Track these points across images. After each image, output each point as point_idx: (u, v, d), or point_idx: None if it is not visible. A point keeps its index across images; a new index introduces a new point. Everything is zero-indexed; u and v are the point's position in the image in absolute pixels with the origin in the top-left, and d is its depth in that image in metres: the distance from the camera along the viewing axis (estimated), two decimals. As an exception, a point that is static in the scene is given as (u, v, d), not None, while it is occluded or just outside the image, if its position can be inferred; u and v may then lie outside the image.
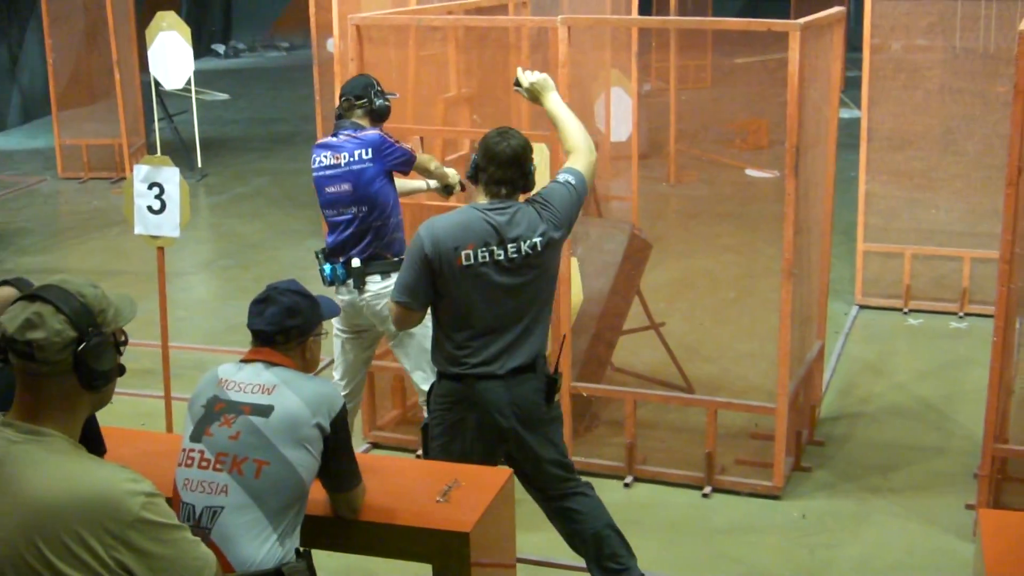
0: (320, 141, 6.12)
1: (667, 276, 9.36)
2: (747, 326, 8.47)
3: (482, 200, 4.66)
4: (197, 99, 13.72)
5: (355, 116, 5.96)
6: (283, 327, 3.59)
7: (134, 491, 2.59)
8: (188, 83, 13.05)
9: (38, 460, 2.61)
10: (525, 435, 4.73)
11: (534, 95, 5.06)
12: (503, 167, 4.60)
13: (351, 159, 5.84)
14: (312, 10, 10.60)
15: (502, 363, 4.62)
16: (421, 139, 6.71)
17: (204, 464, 3.41)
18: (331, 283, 5.97)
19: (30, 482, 2.57)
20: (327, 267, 5.94)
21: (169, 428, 6.25)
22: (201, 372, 8.70)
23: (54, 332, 2.63)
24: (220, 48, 26.53)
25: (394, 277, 5.54)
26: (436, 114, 7.37)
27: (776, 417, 6.12)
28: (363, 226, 5.84)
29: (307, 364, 3.68)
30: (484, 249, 4.54)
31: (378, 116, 5.98)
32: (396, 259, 5.83)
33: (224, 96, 20.53)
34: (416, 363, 5.96)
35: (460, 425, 4.73)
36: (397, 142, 5.88)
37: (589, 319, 6.83)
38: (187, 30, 12.70)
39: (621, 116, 10.49)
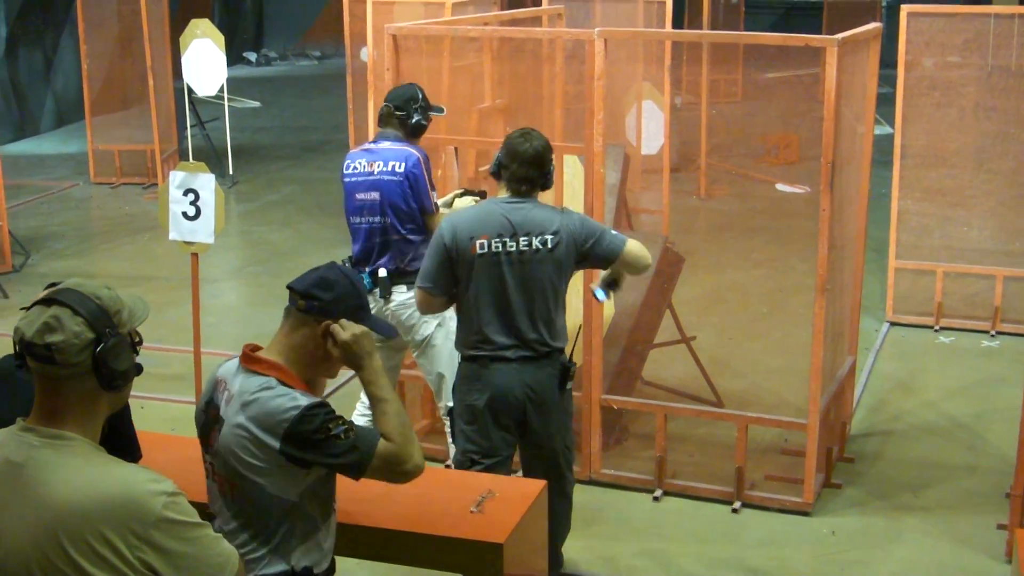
0: (360, 147, 6.15)
1: (698, 290, 9.34)
2: (778, 341, 8.44)
3: (503, 195, 4.98)
4: (229, 106, 13.77)
5: (391, 125, 6.00)
6: (309, 293, 3.30)
7: (156, 491, 2.62)
8: (220, 90, 13.12)
9: (61, 464, 2.64)
10: (534, 416, 4.95)
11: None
12: (525, 165, 4.91)
13: (384, 168, 5.87)
14: (346, 19, 10.66)
15: (514, 350, 4.91)
16: (455, 149, 6.73)
17: (213, 475, 3.36)
18: None
19: (54, 486, 2.61)
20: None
21: (200, 434, 6.26)
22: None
23: (73, 334, 2.66)
24: (252, 56, 26.65)
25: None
26: (470, 124, 7.40)
27: (807, 433, 6.10)
28: (388, 237, 5.86)
29: (312, 365, 3.34)
30: (498, 240, 4.86)
31: (412, 132, 6.00)
32: None
33: (256, 104, 20.63)
34: (439, 379, 5.99)
35: (478, 407, 4.96)
36: (429, 183, 5.88)
37: (620, 332, 6.83)
38: (221, 38, 12.77)
39: (652, 129, 10.49)
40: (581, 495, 5.67)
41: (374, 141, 6.02)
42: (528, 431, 5.02)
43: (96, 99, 14.43)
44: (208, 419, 3.33)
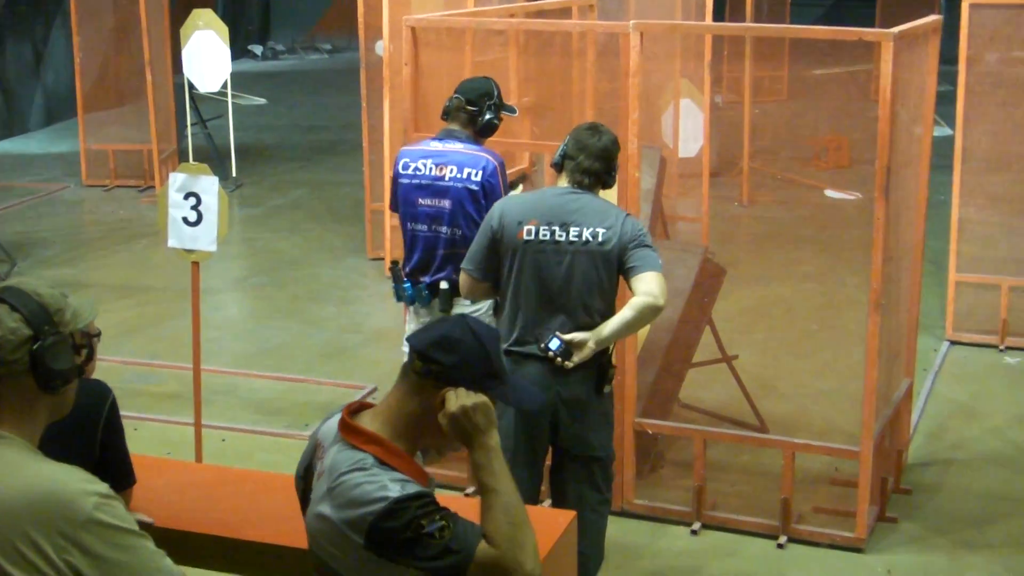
0: (415, 144, 6.09)
1: (741, 305, 9.32)
2: (828, 361, 8.41)
3: (563, 184, 5.15)
4: (232, 103, 13.83)
5: (459, 121, 5.97)
6: (427, 354, 3.02)
7: (87, 491, 2.63)
8: (224, 86, 13.17)
9: None
10: (566, 417, 5.03)
11: None
12: (591, 158, 5.10)
13: (458, 175, 5.84)
14: (361, 10, 10.66)
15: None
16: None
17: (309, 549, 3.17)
18: (411, 302, 6.00)
19: None
20: (407, 286, 5.97)
21: (198, 457, 6.28)
22: (232, 397, 8.74)
23: (8, 331, 2.74)
24: (257, 49, 26.77)
25: (484, 301, 5.82)
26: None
27: (859, 461, 6.06)
28: (456, 249, 5.83)
29: (422, 438, 3.09)
30: (546, 228, 5.02)
31: (481, 131, 5.99)
32: None
33: (261, 101, 20.71)
34: None
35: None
36: (505, 193, 5.86)
37: (656, 350, 6.81)
38: (224, 29, 12.82)
39: (691, 130, 10.47)
40: (612, 527, 5.64)
41: (440, 139, 5.98)
42: (559, 433, 5.10)
43: (89, 95, 14.50)
44: (307, 487, 3.17)
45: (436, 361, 3.01)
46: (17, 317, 2.75)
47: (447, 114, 6.05)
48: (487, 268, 5.18)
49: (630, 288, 5.06)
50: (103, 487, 2.66)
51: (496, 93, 6.02)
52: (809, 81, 17.61)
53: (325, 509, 2.95)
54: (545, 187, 5.49)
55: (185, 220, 6.33)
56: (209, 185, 6.28)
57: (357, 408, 3.13)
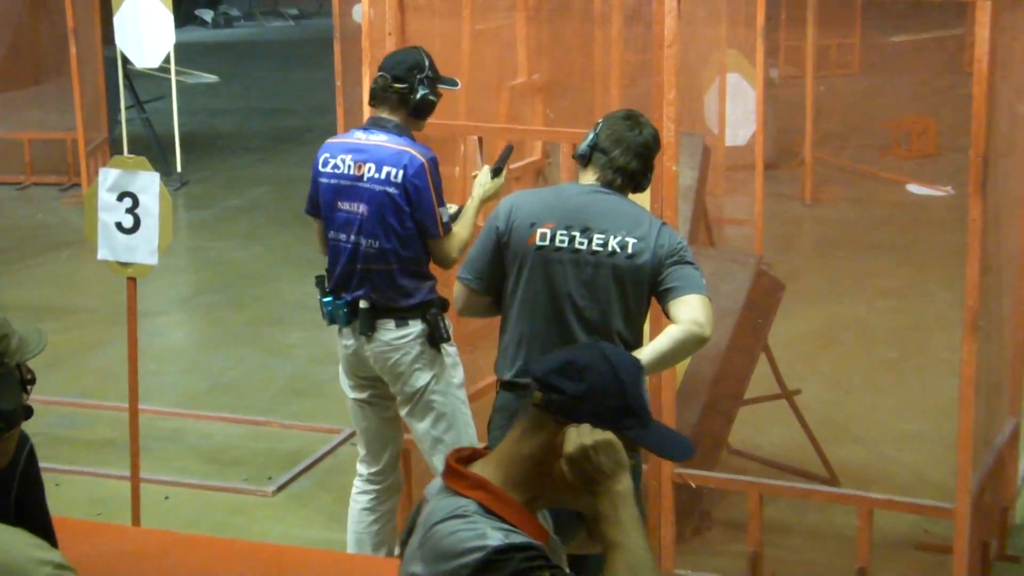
0: (340, 137, 6.13)
1: (803, 327, 9.32)
2: (913, 397, 8.41)
3: (589, 180, 5.15)
4: (177, 82, 13.86)
5: (388, 104, 5.97)
6: (548, 381, 3.00)
7: (41, 559, 2.67)
8: (166, 61, 13.19)
9: None
10: None
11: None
12: (628, 155, 5.12)
13: (375, 175, 5.81)
14: (334, -33, 10.68)
15: None
16: (480, 140, 6.74)
17: None
18: (330, 321, 6.05)
19: None
20: (327, 301, 6.01)
21: (135, 520, 6.27)
22: (177, 445, 8.76)
23: None
24: (207, 15, 26.87)
25: (413, 326, 5.87)
26: (498, 107, 7.41)
27: (954, 521, 6.04)
28: (369, 264, 5.84)
29: (539, 484, 3.06)
30: (565, 232, 5.05)
31: (415, 111, 5.97)
32: (419, 303, 5.87)
33: (212, 78, 20.77)
34: (434, 445, 5.97)
35: None
36: (437, 197, 5.79)
37: (700, 383, 6.80)
38: (166, -9, 12.84)
39: (740, 112, 10.48)
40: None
41: (364, 129, 5.99)
42: None
43: (0, 72, 14.52)
44: None
45: (558, 390, 2.96)
46: None
47: (373, 98, 6.05)
48: (489, 279, 5.20)
49: (667, 314, 5.06)
50: (56, 555, 2.70)
51: (428, 64, 5.97)
52: (886, 50, 17.63)
53: (416, 567, 2.94)
54: (563, 183, 5.47)
55: (119, 226, 6.34)
56: (148, 183, 6.30)
57: (469, 455, 3.10)
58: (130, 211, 6.30)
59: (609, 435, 2.93)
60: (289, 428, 8.26)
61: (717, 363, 6.86)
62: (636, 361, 3.11)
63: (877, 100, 16.35)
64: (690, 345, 4.99)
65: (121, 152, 11.25)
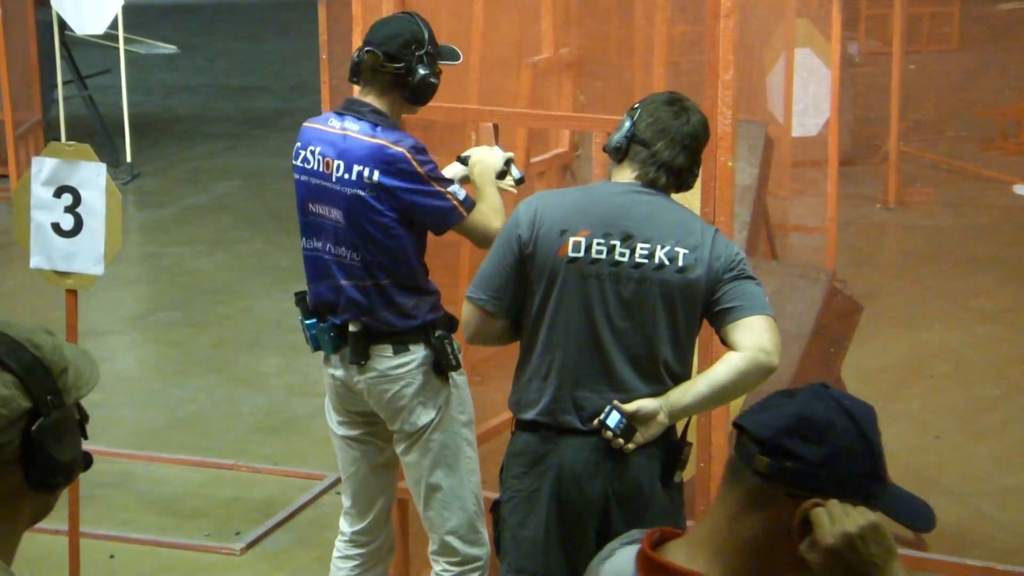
0: (314, 121, 6.00)
1: (886, 357, 9.34)
2: (1018, 443, 8.43)
3: (625, 177, 5.11)
4: (127, 52, 13.92)
5: (375, 87, 5.90)
6: (779, 444, 2.86)
7: None
8: (112, 27, 13.24)
9: None
10: (620, 523, 5.00)
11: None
12: (674, 147, 5.09)
13: (345, 175, 5.73)
14: (319, -84, 10.75)
15: (593, 417, 5.03)
16: (495, 127, 6.78)
17: None
18: (315, 347, 6.02)
19: None
20: (310, 323, 6.00)
21: (75, 582, 6.33)
22: (126, 492, 8.78)
23: (1, 400, 2.69)
24: (164, -29, 26.94)
25: (415, 352, 5.84)
26: (517, 88, 7.45)
27: (1063, 594, 6.08)
28: (363, 280, 5.81)
29: (748, 573, 2.96)
30: (602, 241, 5.01)
31: (415, 95, 5.92)
32: (421, 324, 5.86)
33: (170, 49, 20.83)
34: (429, 495, 5.99)
35: (534, 501, 5.12)
36: (435, 182, 5.70)
37: (757, 424, 6.84)
38: (115, -57, 12.91)
39: (811, 97, 10.53)
40: None
41: (338, 115, 5.89)
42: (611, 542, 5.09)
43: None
44: None
45: (795, 456, 2.84)
46: (10, 380, 2.71)
47: (355, 75, 5.96)
48: (508, 298, 5.15)
49: (724, 339, 5.06)
50: None
51: (428, 35, 5.84)
52: (991, 20, 17.62)
53: None
54: (596, 181, 5.43)
55: (56, 228, 6.38)
56: (92, 175, 6.33)
57: (661, 537, 2.99)
58: (70, 210, 6.31)
59: (873, 518, 2.84)
60: (261, 473, 8.31)
61: (778, 399, 6.89)
62: (871, 409, 3.00)
63: (979, 82, 16.32)
64: (755, 377, 4.96)
65: (58, 137, 11.34)
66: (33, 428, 2.70)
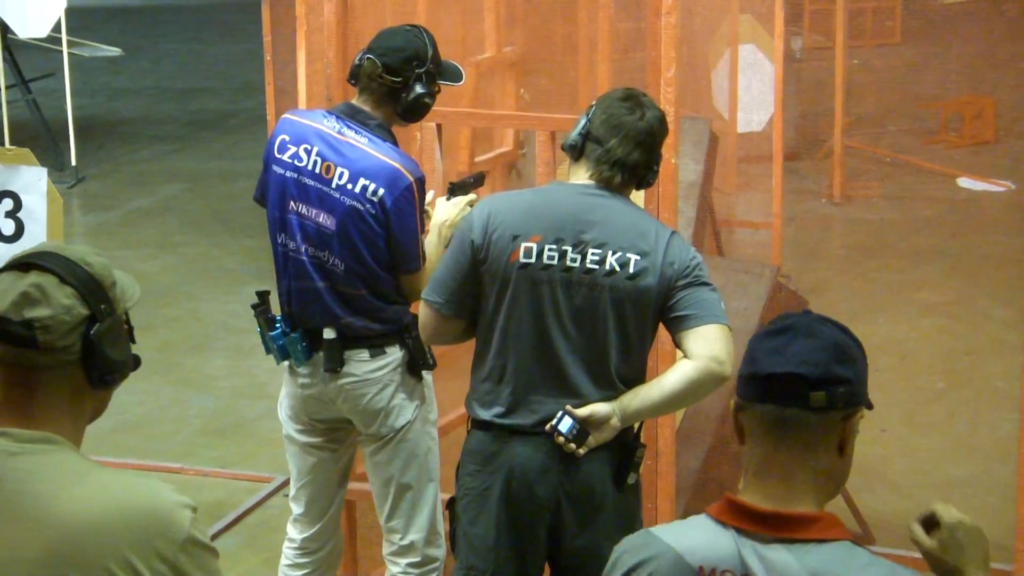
0: (304, 116, 5.93)
1: (831, 352, 9.35)
2: (964, 436, 8.45)
3: (580, 179, 5.07)
4: (70, 55, 13.86)
5: (371, 95, 5.83)
6: (833, 375, 3.13)
7: (182, 503, 3.07)
8: (55, 29, 13.19)
9: (56, 474, 3.08)
10: (572, 522, 5.06)
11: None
12: (628, 144, 5.02)
13: (350, 186, 5.68)
14: (262, -84, 10.73)
15: (545, 420, 5.01)
16: (438, 127, 6.77)
17: None
18: (283, 357, 5.94)
19: (54, 500, 3.03)
20: (276, 335, 5.92)
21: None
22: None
23: (62, 309, 3.11)
24: (107, -28, 26.85)
25: (392, 354, 5.83)
26: (461, 87, 7.45)
27: (1012, 586, 6.11)
28: (346, 287, 5.77)
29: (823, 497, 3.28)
30: (554, 247, 4.98)
31: (406, 113, 5.86)
32: (396, 327, 5.84)
33: (114, 51, 20.73)
34: (400, 495, 5.97)
35: (485, 500, 5.13)
36: (420, 224, 5.74)
37: (704, 421, 6.86)
38: (57, -56, 12.86)
39: (756, 92, 10.55)
40: None
41: (339, 118, 5.84)
42: (563, 546, 5.12)
43: None
44: None
45: (843, 381, 3.13)
46: (69, 291, 3.12)
47: (354, 77, 5.87)
48: (462, 301, 5.13)
49: (678, 346, 5.05)
50: (189, 499, 3.11)
51: (431, 54, 5.80)
52: (933, 15, 17.67)
53: None
54: (551, 182, 5.37)
55: (-1, 233, 6.36)
56: (33, 180, 6.30)
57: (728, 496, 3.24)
58: (11, 215, 6.28)
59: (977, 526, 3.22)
60: (209, 476, 8.29)
61: (725, 397, 6.90)
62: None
63: (922, 76, 16.36)
64: (706, 386, 4.98)
65: (1, 142, 11.27)
66: (92, 332, 3.12)
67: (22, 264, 3.15)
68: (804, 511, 3.15)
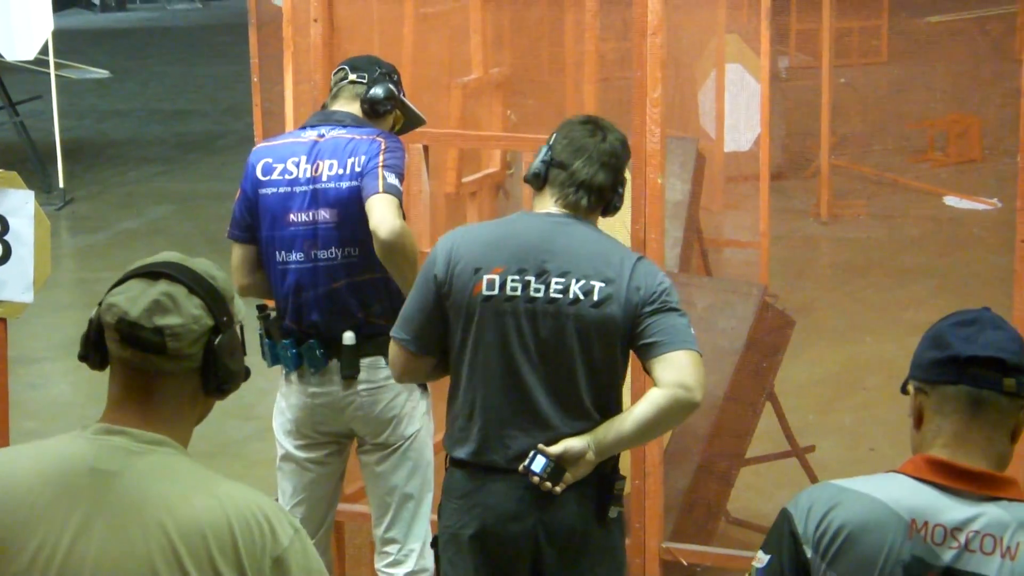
0: (282, 138, 6.06)
1: (819, 370, 9.37)
2: (950, 454, 8.44)
3: (546, 206, 5.01)
4: (58, 78, 13.87)
5: (343, 98, 5.93)
6: (1020, 365, 3.45)
7: (288, 521, 3.26)
8: (43, 52, 13.19)
9: (172, 474, 3.25)
10: (554, 564, 4.99)
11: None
12: (592, 165, 4.96)
13: (339, 171, 5.75)
14: (248, -61, 10.74)
15: (520, 456, 4.92)
16: (426, 148, 6.79)
17: None
18: (294, 366, 5.93)
19: (170, 499, 3.19)
20: (287, 347, 5.90)
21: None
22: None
23: (191, 318, 3.25)
24: (94, -5, 26.83)
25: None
26: (448, 109, 7.46)
27: (998, 604, 6.10)
28: (357, 278, 5.79)
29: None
30: (517, 278, 4.89)
31: (370, 108, 5.94)
32: None
33: (102, 74, 20.75)
34: (402, 505, 5.98)
35: (462, 539, 5.05)
36: (384, 166, 5.76)
37: (692, 441, 6.86)
38: (45, -33, 12.87)
39: (742, 111, 10.57)
40: None
41: (315, 127, 5.92)
42: None
43: None
44: None
45: None
46: (198, 302, 3.27)
47: (335, 93, 6.02)
48: (429, 338, 5.04)
49: (649, 373, 4.98)
50: (296, 521, 3.29)
51: (396, 75, 6.05)
52: (919, 35, 17.72)
53: None
54: (516, 213, 5.30)
55: (-15, 256, 6.36)
56: (20, 203, 6.30)
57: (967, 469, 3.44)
58: (-2, 237, 6.29)
59: None
60: (197, 498, 8.24)
61: (713, 416, 6.91)
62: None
63: (908, 95, 16.41)
64: (676, 413, 4.90)
65: (-9, 164, 11.24)
66: (216, 342, 3.26)
67: (150, 272, 3.30)
68: (1006, 475, 3.42)
